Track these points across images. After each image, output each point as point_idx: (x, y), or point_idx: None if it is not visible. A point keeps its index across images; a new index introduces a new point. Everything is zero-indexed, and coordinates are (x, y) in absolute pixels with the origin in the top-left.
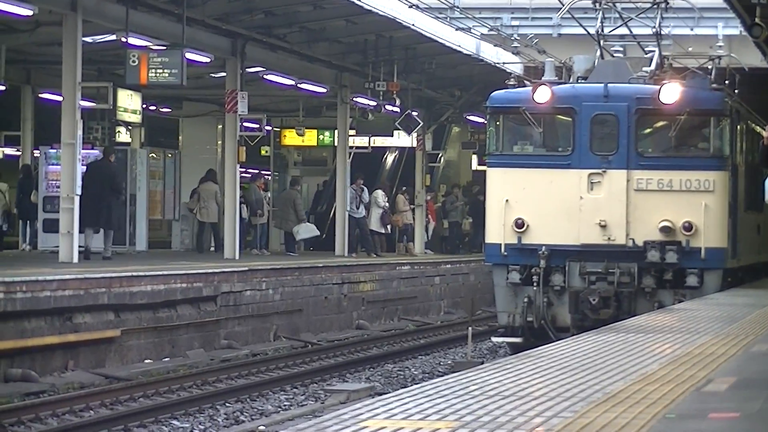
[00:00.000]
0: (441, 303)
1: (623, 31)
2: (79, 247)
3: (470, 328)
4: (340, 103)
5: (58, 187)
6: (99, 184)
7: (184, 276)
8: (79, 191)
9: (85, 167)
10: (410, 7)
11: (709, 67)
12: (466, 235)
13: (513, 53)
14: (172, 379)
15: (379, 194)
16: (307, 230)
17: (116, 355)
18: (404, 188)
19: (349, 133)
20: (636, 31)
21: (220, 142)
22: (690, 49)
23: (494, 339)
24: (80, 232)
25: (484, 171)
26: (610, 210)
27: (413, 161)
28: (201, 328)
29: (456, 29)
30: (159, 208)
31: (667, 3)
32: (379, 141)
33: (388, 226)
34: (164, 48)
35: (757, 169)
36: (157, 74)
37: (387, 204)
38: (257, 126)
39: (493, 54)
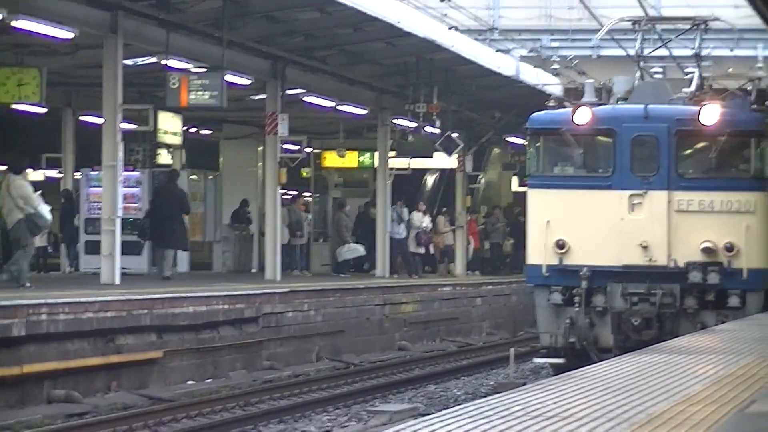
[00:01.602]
0: (483, 324)
1: (663, 52)
2: (122, 268)
3: (512, 349)
4: (380, 124)
5: (100, 209)
6: (168, 206)
7: (226, 297)
8: (120, 213)
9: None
10: (450, 29)
11: (749, 88)
12: (507, 256)
13: (553, 75)
14: (214, 401)
15: (415, 215)
16: (350, 251)
17: (159, 376)
18: (444, 209)
19: (390, 155)
20: (676, 52)
21: (260, 164)
22: (730, 70)
23: (536, 360)
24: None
25: (525, 192)
26: (651, 231)
27: (453, 183)
28: (243, 350)
29: (496, 51)
30: (200, 230)
31: (707, 24)
32: (420, 163)
33: (430, 246)
34: (204, 70)
35: None
36: (198, 96)
37: (424, 225)
38: (297, 148)
39: (532, 76)
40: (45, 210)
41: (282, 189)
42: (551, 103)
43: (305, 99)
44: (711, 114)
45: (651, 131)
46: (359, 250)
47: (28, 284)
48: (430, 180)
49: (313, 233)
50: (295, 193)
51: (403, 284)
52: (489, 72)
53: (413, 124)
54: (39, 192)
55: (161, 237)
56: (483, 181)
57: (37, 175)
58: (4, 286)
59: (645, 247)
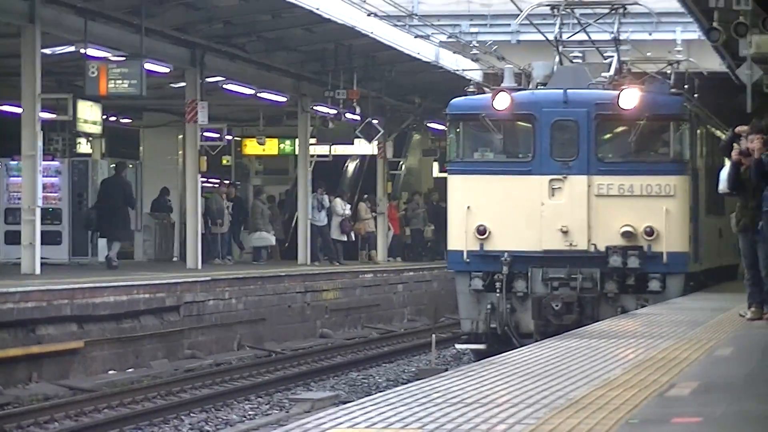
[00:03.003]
0: (404, 310)
1: (582, 36)
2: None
3: (434, 336)
4: (300, 111)
5: (20, 199)
6: (113, 198)
7: (147, 286)
8: (40, 203)
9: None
10: (369, 15)
11: (668, 71)
12: (428, 242)
13: (472, 60)
14: (136, 390)
15: (338, 202)
16: (259, 239)
17: (80, 366)
18: (366, 196)
19: (310, 142)
20: (594, 36)
21: (181, 152)
22: (649, 54)
23: (458, 346)
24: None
25: (446, 178)
26: (571, 216)
27: (374, 169)
28: (164, 339)
29: (415, 37)
30: None
31: (625, 8)
32: (340, 149)
33: (351, 234)
34: (123, 59)
35: (717, 173)
36: (117, 85)
37: (346, 212)
38: (218, 135)
39: (452, 61)
40: None
41: (203, 177)
42: (471, 89)
43: (225, 87)
44: (630, 98)
45: (570, 116)
46: (268, 239)
47: None
48: (351, 166)
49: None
50: (226, 182)
51: (325, 271)
52: (408, 58)
53: (333, 111)
54: None
55: (107, 228)
56: (404, 167)
57: None
58: None
59: (565, 232)
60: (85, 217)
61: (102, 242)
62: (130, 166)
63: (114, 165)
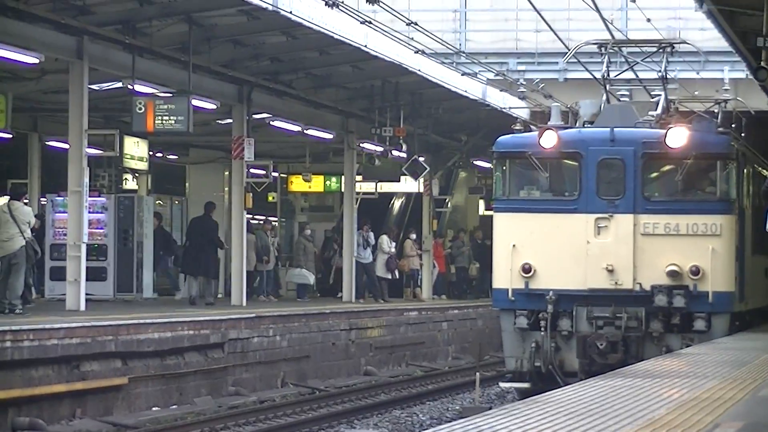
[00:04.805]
0: (449, 348)
1: (629, 75)
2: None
3: (478, 374)
4: (346, 148)
5: (65, 234)
6: (199, 237)
7: (191, 323)
8: (86, 239)
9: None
10: (416, 52)
11: (716, 110)
12: (473, 279)
13: (519, 98)
14: (179, 427)
15: (384, 240)
16: (298, 276)
17: (124, 402)
18: (412, 232)
19: (356, 179)
20: (642, 75)
21: (227, 189)
22: (696, 92)
23: (502, 384)
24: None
25: (492, 216)
26: (617, 254)
27: (420, 206)
28: (208, 375)
29: (462, 74)
30: None
31: (673, 47)
32: (386, 186)
33: (395, 272)
34: (170, 95)
35: (764, 213)
36: (164, 121)
37: (392, 249)
38: (264, 172)
39: (499, 99)
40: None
41: (248, 214)
42: (517, 127)
43: (272, 123)
44: (677, 137)
45: (617, 154)
46: (306, 276)
47: (19, 310)
48: (397, 204)
49: (281, 258)
50: (264, 218)
51: (369, 309)
52: (455, 95)
53: (380, 148)
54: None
55: (193, 266)
56: (450, 204)
57: (2, 200)
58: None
59: (611, 271)
60: (175, 255)
61: (147, 279)
62: (178, 201)
63: (205, 204)
